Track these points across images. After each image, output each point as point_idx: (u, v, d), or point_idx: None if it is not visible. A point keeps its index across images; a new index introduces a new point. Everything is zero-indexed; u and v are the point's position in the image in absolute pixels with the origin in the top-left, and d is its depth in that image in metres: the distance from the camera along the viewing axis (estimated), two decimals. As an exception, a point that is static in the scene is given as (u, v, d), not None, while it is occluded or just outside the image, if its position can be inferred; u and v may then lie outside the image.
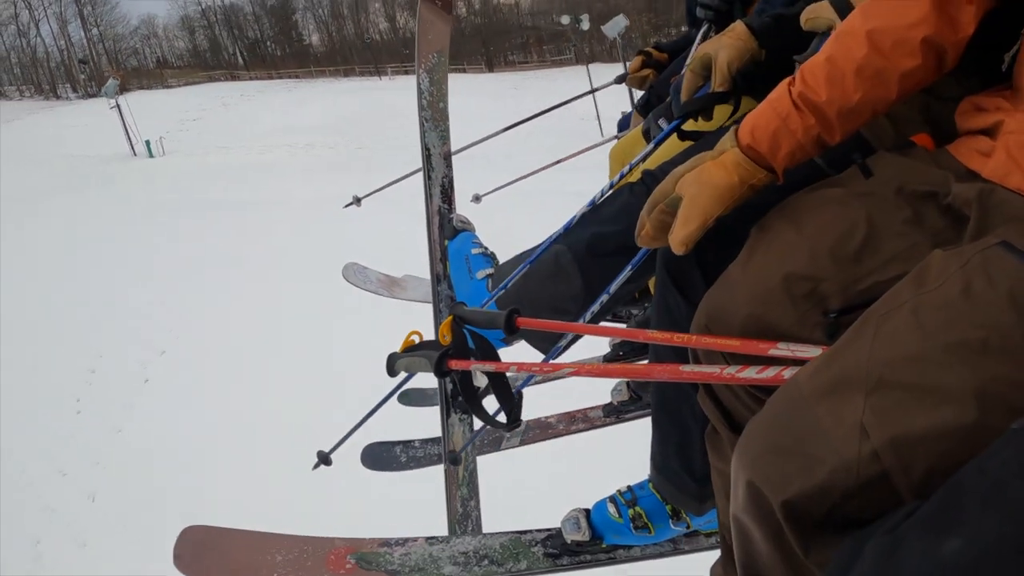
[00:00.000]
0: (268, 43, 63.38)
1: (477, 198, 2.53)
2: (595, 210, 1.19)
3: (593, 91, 2.74)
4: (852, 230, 0.70)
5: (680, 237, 0.77)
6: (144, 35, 63.99)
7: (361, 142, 23.37)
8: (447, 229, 1.49)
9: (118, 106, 25.56)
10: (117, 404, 6.27)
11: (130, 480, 5.11)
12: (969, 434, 0.49)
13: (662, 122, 1.38)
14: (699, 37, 1.53)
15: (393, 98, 27.92)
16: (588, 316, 1.06)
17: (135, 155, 24.63)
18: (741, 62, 1.08)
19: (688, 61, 1.20)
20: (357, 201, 2.52)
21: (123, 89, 50.19)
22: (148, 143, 24.79)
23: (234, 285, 8.43)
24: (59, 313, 8.29)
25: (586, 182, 2.73)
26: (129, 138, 25.03)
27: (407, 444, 2.05)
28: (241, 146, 24.21)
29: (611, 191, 1.20)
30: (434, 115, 1.52)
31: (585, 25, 25.77)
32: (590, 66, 23.35)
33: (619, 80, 2.34)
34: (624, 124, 2.35)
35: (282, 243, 9.95)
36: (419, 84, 1.52)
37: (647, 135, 1.47)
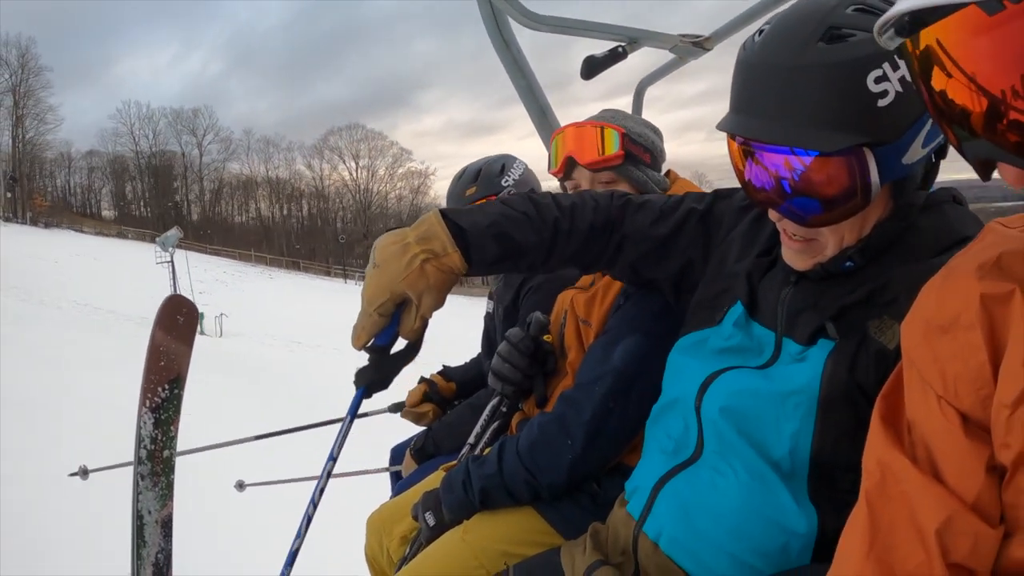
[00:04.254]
0: (141, 201, 62.99)
1: (241, 485, 2.19)
2: None
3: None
4: None
5: None
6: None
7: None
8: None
9: (172, 262, 21.41)
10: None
11: None
12: None
13: (429, 516, 1.08)
14: (488, 410, 1.27)
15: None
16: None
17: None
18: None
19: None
20: (84, 473, 2.12)
21: (34, 221, 43.10)
22: (202, 317, 20.45)
23: None
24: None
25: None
26: (178, 305, 21.89)
27: None
28: (315, 343, 18.02)
29: None
30: (154, 469, 1.22)
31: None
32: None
33: (393, 410, 1.94)
34: (398, 454, 1.85)
35: None
36: (139, 428, 1.23)
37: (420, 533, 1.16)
